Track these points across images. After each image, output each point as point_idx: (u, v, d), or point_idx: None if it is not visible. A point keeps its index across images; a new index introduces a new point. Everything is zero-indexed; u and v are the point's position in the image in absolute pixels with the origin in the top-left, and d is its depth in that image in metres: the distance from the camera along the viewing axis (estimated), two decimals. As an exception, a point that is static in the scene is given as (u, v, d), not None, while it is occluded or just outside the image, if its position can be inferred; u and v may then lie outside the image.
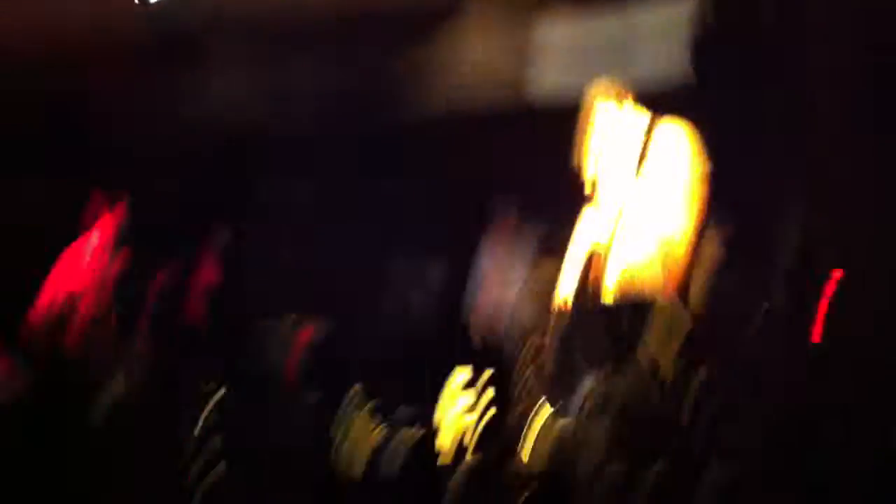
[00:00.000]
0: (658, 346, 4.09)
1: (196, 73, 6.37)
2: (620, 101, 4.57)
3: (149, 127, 6.67)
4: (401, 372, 4.80)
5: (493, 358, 4.90)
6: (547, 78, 6.23)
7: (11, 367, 4.94)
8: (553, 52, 6.30)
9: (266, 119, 6.59)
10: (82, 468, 4.67)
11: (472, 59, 6.31)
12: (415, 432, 4.64)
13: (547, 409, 4.68)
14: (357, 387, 4.79)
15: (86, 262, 5.29)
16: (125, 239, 5.41)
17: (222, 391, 4.64)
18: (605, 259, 4.46)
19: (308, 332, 5.11)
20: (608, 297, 4.36)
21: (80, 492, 4.65)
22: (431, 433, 4.59)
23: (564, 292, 4.52)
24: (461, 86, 6.38)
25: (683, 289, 4.29)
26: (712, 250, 4.43)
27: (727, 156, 4.58)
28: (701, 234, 4.34)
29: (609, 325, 4.27)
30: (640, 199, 4.44)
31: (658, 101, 4.62)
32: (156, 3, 5.54)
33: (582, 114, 4.58)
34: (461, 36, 6.26)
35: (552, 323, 4.74)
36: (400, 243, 5.68)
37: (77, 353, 5.09)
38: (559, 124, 4.75)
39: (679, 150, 4.44)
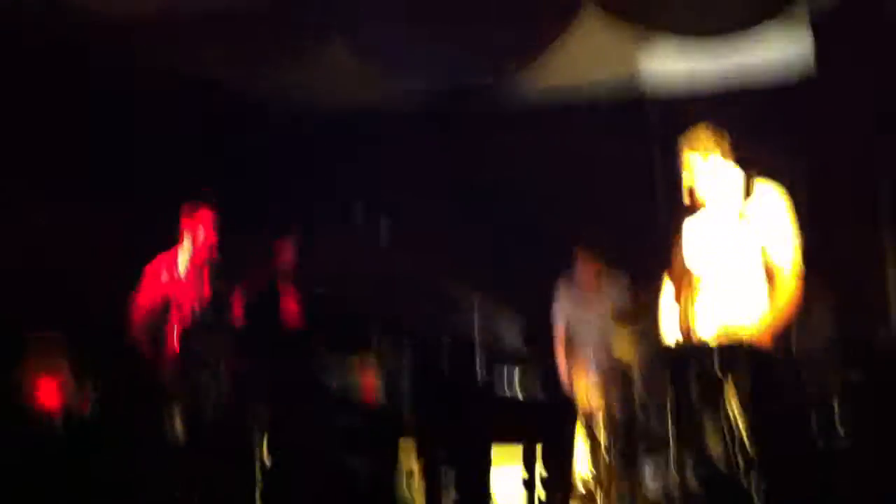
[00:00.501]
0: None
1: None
2: (717, 149, 4.39)
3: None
4: (454, 432, 4.71)
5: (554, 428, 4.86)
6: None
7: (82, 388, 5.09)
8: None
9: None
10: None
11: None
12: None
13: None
14: (410, 442, 4.77)
15: (177, 272, 5.31)
16: (215, 249, 5.42)
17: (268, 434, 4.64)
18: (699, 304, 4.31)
19: (371, 376, 5.11)
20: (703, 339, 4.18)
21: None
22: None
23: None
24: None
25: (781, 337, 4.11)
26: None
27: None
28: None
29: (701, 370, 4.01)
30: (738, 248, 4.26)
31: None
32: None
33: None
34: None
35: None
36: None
37: (171, 356, 5.17)
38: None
39: (774, 207, 4.28)
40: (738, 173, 4.38)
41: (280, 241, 5.65)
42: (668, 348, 4.28)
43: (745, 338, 4.04)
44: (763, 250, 4.25)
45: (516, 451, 4.98)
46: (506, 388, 4.95)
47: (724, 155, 4.34)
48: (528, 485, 4.84)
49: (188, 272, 5.35)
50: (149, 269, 5.33)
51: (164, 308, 5.24)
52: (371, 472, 4.67)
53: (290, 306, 5.43)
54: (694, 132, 4.39)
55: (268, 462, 4.60)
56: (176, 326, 5.24)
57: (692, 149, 4.35)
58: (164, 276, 5.31)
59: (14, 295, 5.37)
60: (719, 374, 3.89)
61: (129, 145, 6.37)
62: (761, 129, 5.47)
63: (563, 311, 6.10)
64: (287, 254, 5.56)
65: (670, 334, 4.33)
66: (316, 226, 6.10)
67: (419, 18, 5.99)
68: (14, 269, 5.35)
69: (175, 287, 5.30)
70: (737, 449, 3.83)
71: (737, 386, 3.90)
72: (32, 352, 5.26)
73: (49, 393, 4.91)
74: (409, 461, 4.82)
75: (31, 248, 5.57)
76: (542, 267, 6.25)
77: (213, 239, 5.36)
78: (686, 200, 4.44)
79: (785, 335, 4.17)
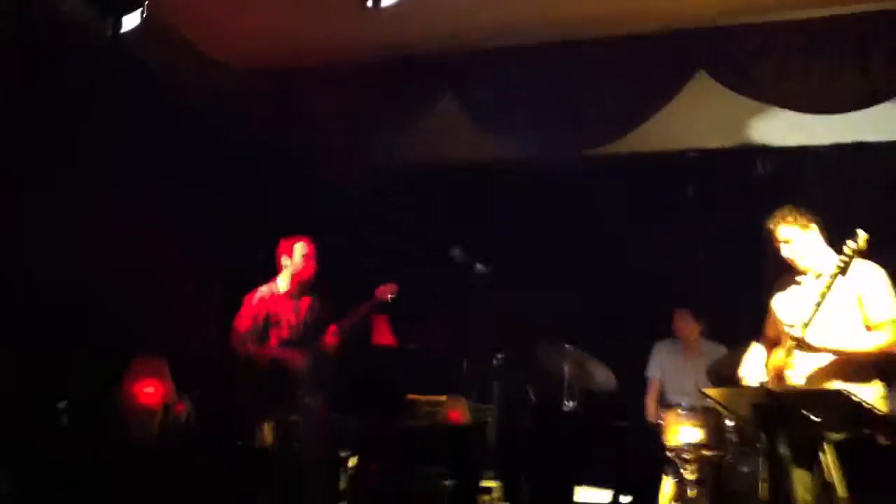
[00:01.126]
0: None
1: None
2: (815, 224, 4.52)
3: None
4: (539, 477, 4.70)
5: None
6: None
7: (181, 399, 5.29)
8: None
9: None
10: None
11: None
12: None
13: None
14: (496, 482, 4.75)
15: (277, 290, 5.63)
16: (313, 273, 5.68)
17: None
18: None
19: (455, 413, 5.15)
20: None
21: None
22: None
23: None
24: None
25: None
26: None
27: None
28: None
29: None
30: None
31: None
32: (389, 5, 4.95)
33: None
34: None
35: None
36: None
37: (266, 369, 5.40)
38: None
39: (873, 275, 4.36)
40: (830, 250, 4.46)
41: (384, 286, 5.87)
42: (762, 397, 4.22)
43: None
44: (860, 306, 4.28)
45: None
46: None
47: (821, 230, 4.54)
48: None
49: (287, 291, 5.66)
50: (248, 296, 5.64)
51: (265, 322, 5.54)
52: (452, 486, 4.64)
53: (384, 336, 5.58)
54: (795, 207, 4.58)
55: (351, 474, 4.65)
56: (273, 341, 5.53)
57: (791, 222, 4.52)
58: (266, 293, 5.63)
59: (126, 321, 5.64)
60: (813, 419, 3.82)
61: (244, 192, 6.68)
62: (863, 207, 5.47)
63: (660, 367, 6.25)
64: (387, 291, 5.77)
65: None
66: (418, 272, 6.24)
67: (528, 80, 6.18)
68: (127, 299, 5.63)
69: (273, 303, 5.61)
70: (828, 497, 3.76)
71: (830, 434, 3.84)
72: (137, 368, 5.48)
73: (150, 397, 5.10)
74: (489, 482, 4.80)
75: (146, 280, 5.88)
76: (637, 325, 6.27)
77: (312, 263, 5.65)
78: (785, 269, 4.56)
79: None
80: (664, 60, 5.91)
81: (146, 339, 5.69)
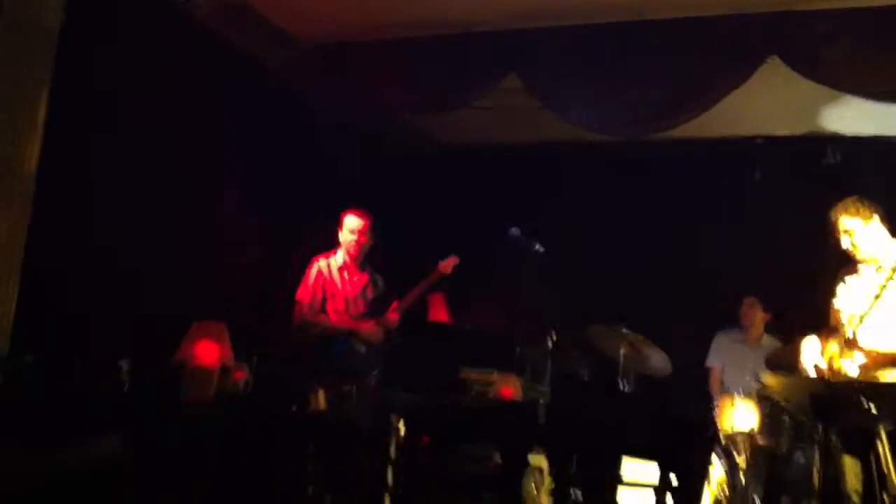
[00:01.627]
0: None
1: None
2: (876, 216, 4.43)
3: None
4: (588, 457, 4.69)
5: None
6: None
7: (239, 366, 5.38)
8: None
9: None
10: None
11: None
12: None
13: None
14: (542, 457, 4.75)
15: (334, 263, 5.68)
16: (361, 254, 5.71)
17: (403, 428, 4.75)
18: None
19: (507, 390, 5.17)
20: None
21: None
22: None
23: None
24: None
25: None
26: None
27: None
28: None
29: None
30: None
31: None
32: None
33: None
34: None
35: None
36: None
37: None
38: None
39: None
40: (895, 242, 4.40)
41: (446, 260, 5.90)
42: (819, 386, 4.16)
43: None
44: None
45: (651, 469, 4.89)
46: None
47: (882, 221, 4.44)
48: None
49: (343, 264, 5.70)
50: (308, 268, 5.71)
51: (322, 294, 5.62)
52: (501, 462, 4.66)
53: (440, 313, 5.61)
54: (858, 198, 4.51)
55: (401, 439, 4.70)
56: (331, 315, 5.61)
57: (853, 213, 4.44)
58: (323, 265, 5.69)
59: (189, 290, 5.75)
60: (869, 411, 3.76)
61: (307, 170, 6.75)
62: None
63: (720, 357, 6.23)
64: (449, 265, 5.78)
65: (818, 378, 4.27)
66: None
67: (592, 61, 6.11)
68: (190, 266, 5.75)
69: (330, 276, 5.68)
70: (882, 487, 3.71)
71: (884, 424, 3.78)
72: (197, 331, 5.58)
73: (209, 359, 5.19)
74: (538, 459, 4.81)
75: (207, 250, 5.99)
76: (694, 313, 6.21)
77: (363, 238, 5.66)
78: (846, 260, 4.51)
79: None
80: (734, 44, 5.80)
81: (208, 306, 5.80)
